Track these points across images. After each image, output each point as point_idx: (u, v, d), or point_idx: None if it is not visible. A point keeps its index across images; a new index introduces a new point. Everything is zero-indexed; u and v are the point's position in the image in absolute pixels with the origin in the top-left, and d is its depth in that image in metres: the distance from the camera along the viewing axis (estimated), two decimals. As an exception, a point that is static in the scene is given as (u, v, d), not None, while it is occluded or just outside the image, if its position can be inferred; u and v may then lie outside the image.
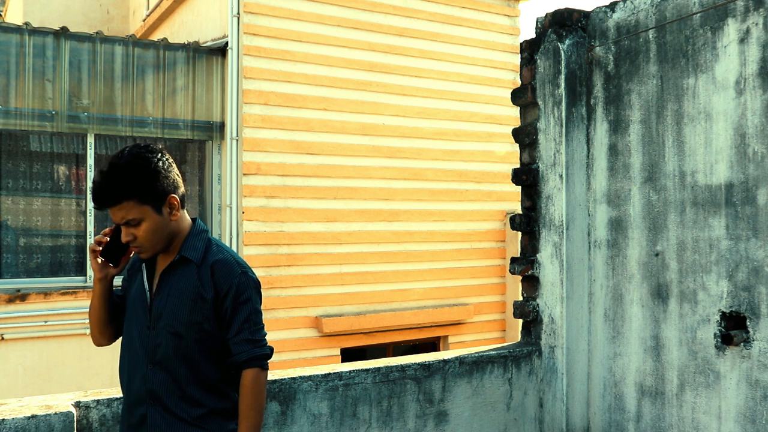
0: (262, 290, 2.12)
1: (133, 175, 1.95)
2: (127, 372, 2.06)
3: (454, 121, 8.37)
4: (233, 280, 2.01)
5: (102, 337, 2.18)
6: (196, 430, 2.00)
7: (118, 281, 2.29)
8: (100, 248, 2.06)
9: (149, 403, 1.99)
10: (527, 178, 3.60)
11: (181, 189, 2.08)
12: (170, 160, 2.07)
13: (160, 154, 2.03)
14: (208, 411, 2.02)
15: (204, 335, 2.00)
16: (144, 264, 2.10)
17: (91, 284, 6.85)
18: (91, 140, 6.97)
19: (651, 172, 3.16)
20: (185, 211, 2.12)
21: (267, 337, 2.09)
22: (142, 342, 2.02)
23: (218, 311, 2.01)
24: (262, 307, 2.14)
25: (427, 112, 8.18)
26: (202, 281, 2.00)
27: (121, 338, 2.15)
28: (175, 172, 2.07)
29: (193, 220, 2.14)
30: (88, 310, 2.19)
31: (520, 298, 3.68)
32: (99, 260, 2.07)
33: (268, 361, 2.06)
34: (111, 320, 2.15)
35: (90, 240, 6.94)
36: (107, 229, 2.08)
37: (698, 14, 2.95)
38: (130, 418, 2.03)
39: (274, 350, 2.10)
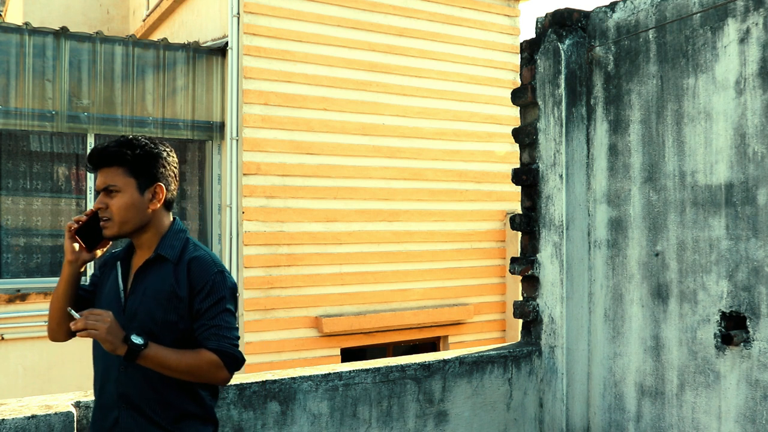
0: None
1: (134, 148, 1.98)
2: (100, 374, 2.02)
3: (454, 121, 8.38)
4: (208, 277, 1.96)
5: (59, 330, 2.09)
6: None
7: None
8: (76, 226, 2.01)
9: (122, 406, 1.94)
10: (527, 178, 3.60)
11: (173, 189, 2.07)
12: (175, 159, 2.09)
13: (169, 150, 2.07)
14: (185, 414, 1.97)
15: (179, 336, 1.94)
16: (120, 262, 2.06)
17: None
18: (91, 140, 6.97)
19: (651, 172, 3.16)
20: (170, 213, 2.10)
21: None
22: None
23: (191, 309, 1.96)
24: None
25: (427, 112, 8.18)
26: (178, 279, 1.96)
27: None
28: (174, 171, 2.07)
29: (174, 219, 2.10)
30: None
31: (520, 298, 3.68)
32: (73, 242, 2.01)
33: (234, 372, 1.96)
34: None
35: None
36: (88, 210, 2.04)
37: (698, 14, 2.95)
38: (103, 422, 1.98)
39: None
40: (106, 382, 1.99)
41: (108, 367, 1.99)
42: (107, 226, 1.97)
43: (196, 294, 1.95)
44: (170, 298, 1.95)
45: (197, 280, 1.96)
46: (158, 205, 2.01)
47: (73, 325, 1.78)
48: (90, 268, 6.16)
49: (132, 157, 1.96)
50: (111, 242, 2.06)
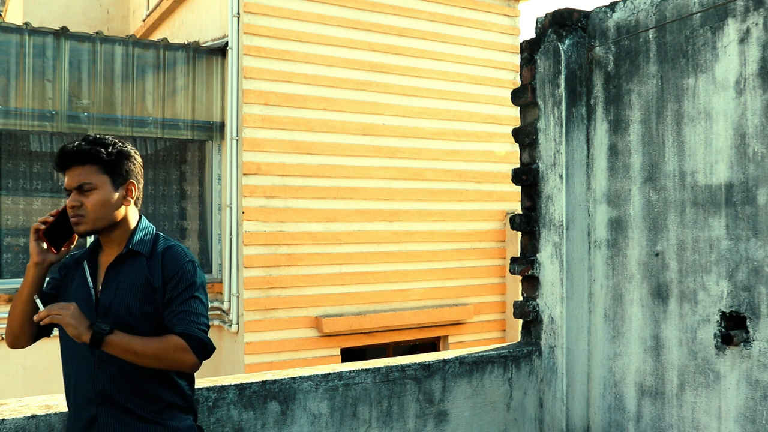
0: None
1: (107, 146, 2.01)
2: (74, 375, 2.01)
3: (454, 121, 8.38)
4: (179, 267, 2.00)
5: (22, 335, 2.06)
6: (155, 427, 1.95)
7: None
8: (44, 227, 2.00)
9: (100, 403, 1.93)
10: (527, 178, 3.60)
11: (140, 187, 2.12)
12: (141, 161, 2.16)
13: (135, 149, 2.13)
14: (166, 405, 1.99)
15: (157, 326, 1.97)
16: (86, 261, 2.06)
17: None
18: (91, 140, 6.96)
19: (651, 172, 3.16)
20: (137, 211, 2.13)
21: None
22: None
23: (163, 297, 1.98)
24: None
25: (427, 112, 8.18)
26: (152, 271, 1.99)
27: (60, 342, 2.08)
28: (141, 171, 2.14)
29: (140, 217, 2.14)
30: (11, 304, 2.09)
31: (520, 298, 3.68)
32: (40, 242, 2.00)
33: (202, 358, 1.96)
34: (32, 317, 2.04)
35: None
36: (54, 211, 2.03)
37: (698, 14, 2.95)
38: (77, 423, 1.97)
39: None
40: (80, 382, 1.98)
41: (81, 367, 1.98)
42: (81, 222, 1.98)
43: (167, 282, 1.98)
44: (146, 290, 1.97)
45: (169, 270, 1.99)
46: (131, 202, 2.06)
47: (36, 316, 1.80)
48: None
49: (106, 155, 1.99)
50: (74, 242, 2.07)
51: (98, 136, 2.05)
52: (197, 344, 1.94)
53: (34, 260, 2.01)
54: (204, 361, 2.02)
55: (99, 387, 1.94)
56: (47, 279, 2.13)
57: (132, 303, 1.96)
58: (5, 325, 2.13)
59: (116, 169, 2.02)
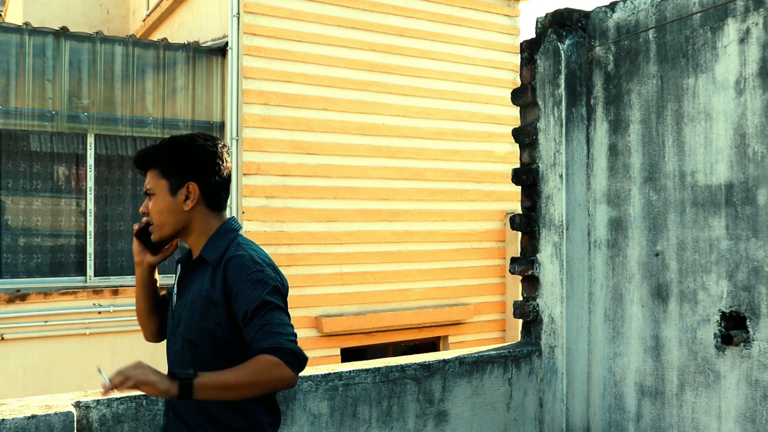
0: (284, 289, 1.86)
1: (169, 147, 1.90)
2: None
3: (454, 121, 8.37)
4: (244, 280, 1.78)
5: (145, 331, 2.09)
6: None
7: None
8: (137, 227, 2.00)
9: (170, 415, 1.90)
10: (527, 178, 3.60)
11: (217, 186, 1.92)
12: (223, 155, 1.94)
13: (211, 144, 1.92)
14: (227, 429, 1.83)
15: (219, 344, 1.81)
16: (180, 265, 1.99)
17: (92, 284, 6.86)
18: (91, 140, 6.97)
19: (651, 172, 3.16)
20: (219, 212, 1.95)
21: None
22: (168, 349, 1.94)
23: (232, 314, 1.80)
24: None
25: (427, 112, 8.18)
26: (214, 282, 1.82)
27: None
28: (218, 166, 1.92)
29: (227, 219, 1.96)
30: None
31: (520, 298, 3.68)
32: (136, 243, 2.00)
33: (298, 371, 1.74)
34: (151, 314, 2.06)
35: (90, 240, 6.94)
36: None
37: (698, 14, 2.95)
38: (163, 423, 1.98)
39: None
40: None
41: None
42: (152, 230, 1.93)
43: (235, 297, 1.78)
44: (206, 303, 1.82)
45: (233, 282, 1.79)
46: (191, 205, 1.88)
47: (103, 391, 1.60)
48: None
49: (163, 158, 1.88)
50: (176, 245, 2.02)
51: (179, 135, 1.92)
52: (290, 357, 1.71)
53: (136, 260, 2.01)
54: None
55: (168, 398, 1.82)
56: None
57: (194, 317, 1.83)
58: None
59: (174, 170, 1.87)
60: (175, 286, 1.97)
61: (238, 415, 1.83)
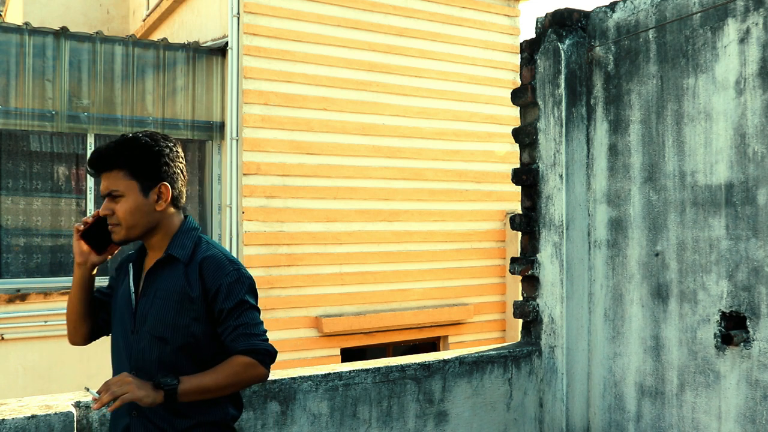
0: (260, 289, 2.00)
1: (133, 147, 1.90)
2: None
3: (454, 121, 8.38)
4: (223, 279, 1.87)
5: (76, 334, 2.05)
6: None
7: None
8: (82, 228, 1.95)
9: (132, 413, 1.88)
10: (527, 178, 3.60)
11: (180, 185, 1.98)
12: (180, 153, 2.00)
13: (172, 144, 1.97)
14: (195, 423, 1.88)
15: (191, 341, 1.87)
16: (132, 264, 1.99)
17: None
18: (91, 140, 6.97)
19: (651, 172, 3.16)
20: (179, 211, 2.01)
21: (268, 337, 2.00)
22: (126, 347, 1.91)
23: (210, 312, 1.88)
24: (262, 307, 2.07)
25: (427, 112, 8.18)
26: (189, 280, 1.87)
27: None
28: (179, 166, 1.98)
29: (185, 217, 2.02)
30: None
31: (520, 298, 3.68)
32: (80, 244, 1.95)
33: (270, 366, 1.90)
34: (86, 316, 2.03)
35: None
36: (95, 212, 1.96)
37: (698, 14, 2.95)
38: (115, 429, 1.94)
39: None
40: None
41: (119, 373, 1.89)
42: (115, 231, 1.91)
43: (215, 295, 1.87)
44: (181, 300, 1.87)
45: (211, 282, 1.87)
46: (164, 206, 1.92)
47: (95, 405, 1.68)
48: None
49: (131, 159, 1.88)
50: (120, 245, 2.01)
51: (130, 135, 1.92)
52: (264, 356, 1.87)
53: (77, 260, 1.96)
54: None
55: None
56: (108, 278, 2.09)
57: (167, 313, 1.86)
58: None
59: (144, 172, 1.89)
60: (131, 284, 1.95)
61: (205, 409, 1.90)
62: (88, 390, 1.74)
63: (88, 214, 6.95)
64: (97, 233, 1.96)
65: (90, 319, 2.05)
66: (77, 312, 2.00)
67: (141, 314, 1.90)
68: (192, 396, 1.78)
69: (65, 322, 2.09)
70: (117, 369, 1.95)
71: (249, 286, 1.93)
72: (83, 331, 2.05)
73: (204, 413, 1.90)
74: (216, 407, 1.92)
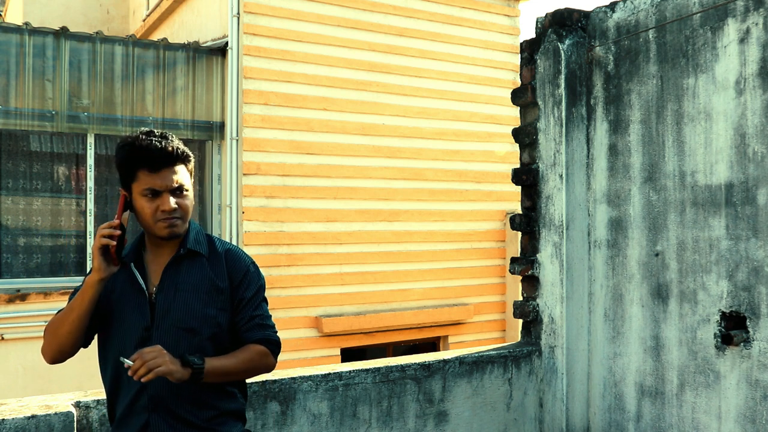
0: None
1: (183, 144, 2.01)
2: (124, 381, 1.90)
3: (454, 121, 8.38)
4: (245, 268, 2.01)
5: (72, 349, 1.91)
6: None
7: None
8: (114, 243, 1.83)
9: (151, 409, 1.87)
10: (527, 178, 3.60)
11: None
12: None
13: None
14: (219, 413, 1.94)
15: (218, 330, 1.93)
16: (133, 264, 1.96)
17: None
18: (91, 140, 6.97)
19: (651, 172, 3.16)
20: None
21: None
22: (141, 345, 1.85)
23: (233, 301, 1.98)
24: None
25: (427, 112, 8.18)
26: (216, 272, 1.97)
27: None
28: None
29: None
30: (56, 319, 1.90)
31: (520, 298, 3.68)
32: (108, 257, 1.83)
33: (277, 358, 2.03)
34: (85, 329, 1.90)
35: (90, 240, 6.94)
36: (114, 223, 1.85)
37: (698, 14, 2.95)
38: (128, 429, 1.89)
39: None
40: (132, 388, 1.89)
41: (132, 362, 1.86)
42: (178, 225, 1.91)
43: (238, 284, 1.98)
44: (210, 291, 1.95)
45: (235, 272, 1.99)
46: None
47: (133, 374, 1.70)
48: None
49: (191, 156, 2.00)
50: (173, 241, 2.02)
51: (163, 132, 1.95)
52: (276, 348, 2.01)
53: (100, 276, 1.83)
54: None
55: (152, 393, 1.87)
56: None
57: (194, 304, 1.92)
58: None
59: (192, 170, 2.02)
60: (140, 281, 1.91)
61: (226, 399, 1.98)
62: (122, 359, 1.76)
63: (89, 215, 6.94)
64: (117, 243, 1.88)
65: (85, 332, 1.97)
66: (80, 329, 1.88)
67: (162, 308, 1.90)
68: (213, 377, 1.85)
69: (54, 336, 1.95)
70: (116, 369, 1.92)
71: (263, 280, 2.08)
72: (79, 344, 1.93)
73: (225, 403, 1.97)
74: (232, 397, 2.00)
